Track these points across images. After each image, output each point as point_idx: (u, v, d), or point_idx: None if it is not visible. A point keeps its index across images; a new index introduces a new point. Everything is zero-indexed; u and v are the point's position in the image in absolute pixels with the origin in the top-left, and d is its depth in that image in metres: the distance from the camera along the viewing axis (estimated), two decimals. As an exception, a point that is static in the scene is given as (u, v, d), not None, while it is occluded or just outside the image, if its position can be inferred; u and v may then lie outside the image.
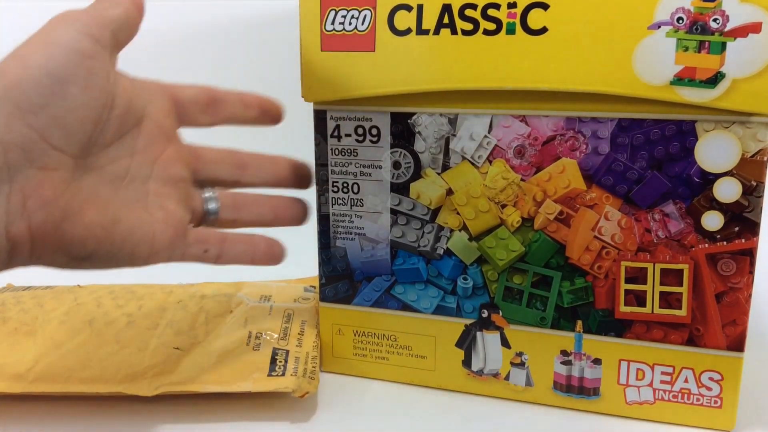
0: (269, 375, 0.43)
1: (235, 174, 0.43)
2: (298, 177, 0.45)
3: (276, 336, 0.46)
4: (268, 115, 0.44)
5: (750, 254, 0.37)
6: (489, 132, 0.40)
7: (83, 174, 0.34)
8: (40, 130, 0.32)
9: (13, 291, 0.52)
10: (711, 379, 0.40)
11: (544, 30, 0.37)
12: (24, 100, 0.31)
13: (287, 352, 0.45)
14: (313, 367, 0.44)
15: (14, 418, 0.42)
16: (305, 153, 0.45)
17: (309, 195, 0.46)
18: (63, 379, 0.42)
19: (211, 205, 0.42)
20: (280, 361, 0.44)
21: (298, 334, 0.47)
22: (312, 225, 0.45)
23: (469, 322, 0.43)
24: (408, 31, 0.40)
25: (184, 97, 0.41)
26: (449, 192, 0.42)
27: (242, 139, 0.47)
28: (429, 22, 0.39)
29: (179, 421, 0.42)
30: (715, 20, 0.35)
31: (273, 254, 0.44)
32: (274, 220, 0.45)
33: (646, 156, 0.38)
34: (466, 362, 0.44)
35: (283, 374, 0.43)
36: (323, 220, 0.45)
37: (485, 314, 0.43)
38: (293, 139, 0.53)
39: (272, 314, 0.49)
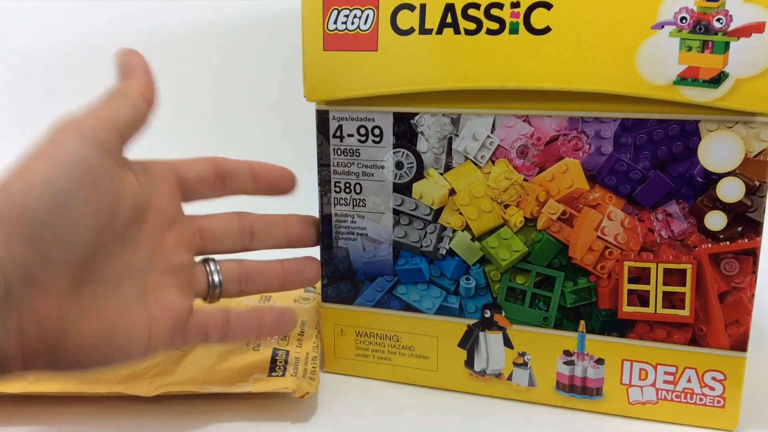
0: (269, 375, 0.43)
1: (243, 243, 0.42)
2: (310, 236, 0.44)
3: (276, 336, 0.46)
4: (278, 187, 0.42)
5: (753, 254, 0.37)
6: (492, 132, 0.40)
7: (80, 283, 0.32)
8: (42, 248, 0.30)
9: None
10: (714, 379, 0.40)
11: (547, 30, 0.37)
12: (26, 218, 0.29)
13: (287, 352, 0.45)
14: (313, 367, 0.44)
15: (14, 418, 0.42)
16: (307, 153, 0.45)
17: (311, 195, 0.45)
18: (63, 379, 0.42)
19: (215, 278, 0.40)
20: (280, 362, 0.44)
21: (298, 334, 0.48)
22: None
23: (471, 322, 0.43)
24: (411, 30, 0.39)
25: (191, 176, 0.39)
26: (452, 192, 0.42)
27: (243, 143, 0.47)
28: (432, 21, 0.39)
29: (179, 422, 0.42)
30: (718, 20, 0.35)
31: (282, 327, 0.42)
32: (284, 285, 0.43)
33: (650, 156, 0.38)
34: (469, 362, 0.44)
35: (283, 375, 0.43)
36: (325, 221, 0.45)
37: (488, 314, 0.43)
38: (295, 140, 0.53)
39: None
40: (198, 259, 0.40)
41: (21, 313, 0.30)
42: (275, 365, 0.44)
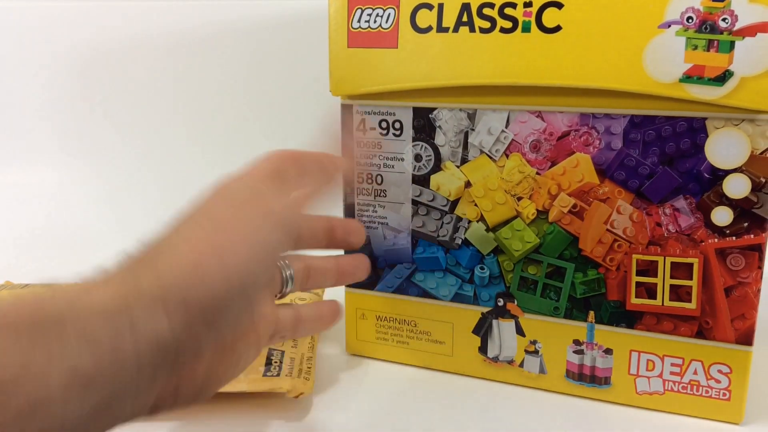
0: (264, 375, 0.43)
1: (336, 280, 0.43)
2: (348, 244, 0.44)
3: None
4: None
5: (759, 249, 0.38)
6: (506, 127, 0.42)
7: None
8: (218, 329, 0.29)
9: (11, 289, 0.53)
10: (720, 371, 0.40)
11: (558, 28, 0.38)
12: (212, 304, 0.28)
13: (283, 352, 0.46)
14: (308, 367, 0.45)
15: None
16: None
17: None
18: None
19: (287, 273, 0.40)
20: (276, 362, 0.45)
21: None
22: (338, 214, 0.47)
23: (485, 310, 0.45)
24: (429, 28, 0.41)
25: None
26: (468, 184, 0.43)
27: (275, 134, 0.49)
28: (449, 20, 0.41)
29: (174, 421, 0.42)
30: (724, 20, 0.35)
31: (335, 317, 0.43)
32: (337, 282, 0.44)
33: (658, 152, 0.39)
34: (483, 349, 0.46)
35: (278, 375, 0.43)
36: (348, 210, 0.47)
37: (501, 303, 0.44)
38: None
39: None
40: None
41: (180, 379, 0.31)
42: (270, 365, 0.44)
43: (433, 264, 0.45)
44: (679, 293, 0.40)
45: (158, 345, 0.27)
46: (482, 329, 0.45)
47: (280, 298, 0.41)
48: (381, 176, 0.45)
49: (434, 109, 0.43)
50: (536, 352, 0.44)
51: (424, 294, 0.46)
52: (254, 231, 0.30)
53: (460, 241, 0.44)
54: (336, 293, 0.50)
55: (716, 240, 0.39)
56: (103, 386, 0.26)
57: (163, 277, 0.27)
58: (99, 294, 0.26)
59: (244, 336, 0.35)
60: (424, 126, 0.43)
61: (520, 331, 0.44)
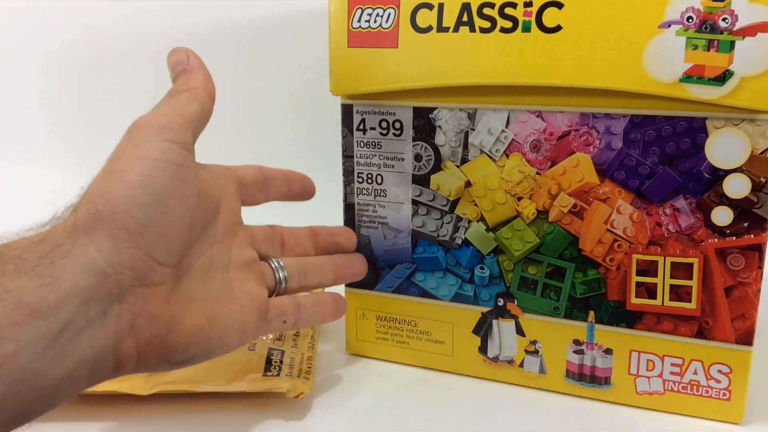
0: (264, 375, 0.43)
1: (277, 252, 0.44)
2: (338, 246, 0.46)
3: (271, 336, 0.47)
4: (307, 190, 0.45)
5: (759, 249, 0.38)
6: (506, 127, 0.42)
7: (180, 279, 0.34)
8: (147, 248, 0.31)
9: None
10: (720, 371, 0.40)
11: (558, 28, 0.39)
12: (132, 222, 0.31)
13: (282, 352, 0.46)
14: (308, 367, 0.45)
15: None
16: (333, 145, 0.47)
17: (335, 185, 0.48)
18: None
19: (281, 274, 0.42)
20: (276, 362, 0.45)
21: (294, 335, 0.48)
22: (338, 214, 0.48)
23: (485, 310, 0.45)
24: (429, 28, 0.41)
25: (247, 179, 0.42)
26: (468, 184, 0.43)
27: (273, 139, 0.49)
28: (449, 20, 0.41)
29: (174, 421, 0.42)
30: (724, 19, 0.35)
31: (338, 309, 0.44)
32: (337, 279, 0.45)
33: (658, 152, 0.39)
34: (483, 349, 0.46)
35: (278, 375, 0.44)
36: (349, 210, 0.47)
37: (501, 303, 0.44)
38: (321, 132, 0.55)
39: None
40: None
41: (134, 313, 0.31)
42: (270, 365, 0.44)
43: (433, 264, 0.46)
44: (679, 293, 0.40)
45: (94, 272, 0.30)
46: (482, 329, 0.45)
47: (276, 295, 0.42)
48: (381, 176, 0.45)
49: (434, 109, 0.43)
50: (536, 352, 0.44)
51: (424, 294, 0.46)
52: (142, 148, 0.32)
53: (460, 241, 0.44)
54: (336, 293, 0.50)
55: (716, 240, 0.39)
56: (48, 318, 0.28)
57: (79, 209, 0.31)
58: (35, 236, 0.30)
59: (220, 299, 0.36)
60: (424, 126, 0.43)
61: (520, 331, 0.44)
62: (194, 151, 0.36)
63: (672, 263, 0.40)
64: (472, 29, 0.40)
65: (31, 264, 0.29)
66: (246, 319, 0.37)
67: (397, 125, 0.44)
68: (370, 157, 0.45)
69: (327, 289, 0.46)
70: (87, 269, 0.29)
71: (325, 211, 0.53)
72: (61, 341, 0.29)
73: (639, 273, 0.41)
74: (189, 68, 0.38)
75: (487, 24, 0.40)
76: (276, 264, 0.42)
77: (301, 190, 0.45)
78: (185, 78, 0.38)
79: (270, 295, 0.42)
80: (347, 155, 0.46)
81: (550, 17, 0.39)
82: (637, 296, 0.41)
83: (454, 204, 0.44)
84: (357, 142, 0.46)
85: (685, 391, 0.41)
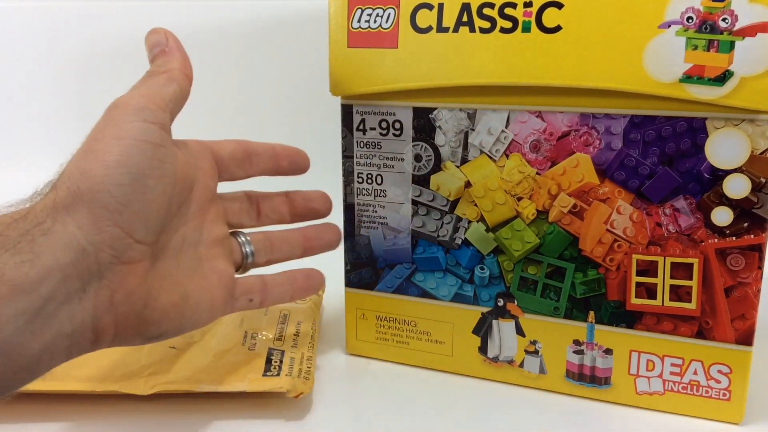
0: (264, 375, 0.43)
1: (253, 221, 0.44)
2: (313, 211, 0.46)
3: (271, 336, 0.47)
4: (297, 165, 0.45)
5: (759, 250, 0.38)
6: (506, 127, 0.42)
7: (155, 257, 0.35)
8: (126, 227, 0.32)
9: None
10: (720, 371, 0.40)
11: (558, 28, 0.38)
12: (110, 200, 0.31)
13: (282, 352, 0.46)
14: (308, 367, 0.45)
15: (10, 417, 0.42)
16: (332, 145, 0.47)
17: (335, 185, 0.48)
18: (59, 378, 0.41)
19: (247, 249, 0.42)
20: (276, 362, 0.45)
21: (294, 334, 0.48)
22: (338, 214, 0.48)
23: (485, 310, 0.45)
24: (429, 28, 0.41)
25: (224, 155, 0.42)
26: (467, 184, 0.43)
27: (276, 134, 0.49)
28: (449, 20, 0.41)
29: (174, 421, 0.42)
30: (724, 20, 0.35)
31: (309, 285, 0.45)
32: (306, 252, 0.45)
33: (658, 152, 0.39)
34: (483, 349, 0.46)
35: (278, 374, 0.44)
36: (348, 210, 0.47)
37: (501, 303, 0.44)
38: (321, 132, 0.55)
39: (268, 315, 0.50)
40: None
41: (113, 290, 0.32)
42: (270, 365, 0.44)
43: (433, 264, 0.45)
44: (679, 293, 0.40)
45: (74, 249, 0.30)
46: (482, 329, 0.45)
47: (243, 271, 0.43)
48: (381, 176, 0.45)
49: (434, 109, 0.43)
50: (536, 352, 0.44)
51: (424, 294, 0.46)
52: (121, 128, 0.33)
53: (460, 241, 0.44)
54: (336, 293, 0.50)
55: (716, 240, 0.39)
56: (30, 293, 0.29)
57: (59, 187, 0.32)
58: (16, 212, 0.31)
59: (191, 276, 0.37)
60: (424, 126, 0.43)
61: (520, 331, 0.44)
62: (171, 131, 0.36)
63: (672, 263, 0.40)
64: (472, 29, 0.40)
65: (13, 241, 0.30)
66: (214, 296, 0.38)
67: (397, 125, 0.44)
68: (370, 157, 0.45)
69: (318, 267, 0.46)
70: (67, 246, 0.30)
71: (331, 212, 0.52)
72: (42, 316, 0.30)
73: (639, 273, 0.41)
74: (167, 49, 0.38)
75: (486, 24, 0.40)
76: (243, 239, 0.43)
77: (289, 164, 0.45)
78: (163, 59, 0.38)
79: (237, 270, 0.42)
80: (347, 155, 0.46)
81: (550, 17, 0.39)
82: (637, 296, 0.41)
83: (454, 204, 0.44)
84: (357, 142, 0.46)
85: (685, 391, 0.41)
